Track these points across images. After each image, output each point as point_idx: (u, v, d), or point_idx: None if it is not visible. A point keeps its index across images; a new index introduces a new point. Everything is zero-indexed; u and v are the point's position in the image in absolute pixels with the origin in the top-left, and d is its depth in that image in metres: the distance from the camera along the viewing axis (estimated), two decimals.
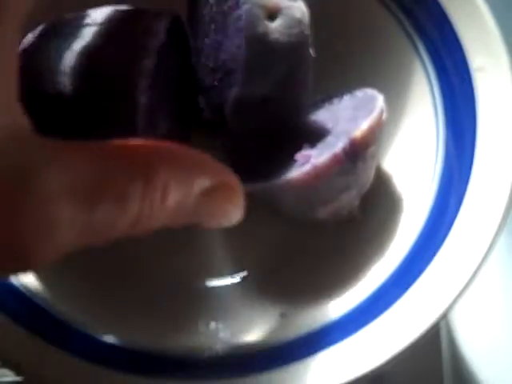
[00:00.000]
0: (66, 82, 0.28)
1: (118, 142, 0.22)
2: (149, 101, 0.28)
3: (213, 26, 0.33)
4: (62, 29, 0.30)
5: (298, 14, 0.31)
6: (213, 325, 0.32)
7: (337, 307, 0.31)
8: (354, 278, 0.32)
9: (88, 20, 0.30)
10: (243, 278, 0.34)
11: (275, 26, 0.31)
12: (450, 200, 0.32)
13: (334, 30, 0.36)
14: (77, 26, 0.30)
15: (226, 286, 0.33)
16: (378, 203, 0.33)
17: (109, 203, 0.20)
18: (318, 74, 0.33)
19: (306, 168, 0.30)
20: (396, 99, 0.35)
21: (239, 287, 0.34)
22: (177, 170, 0.22)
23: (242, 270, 0.34)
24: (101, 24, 0.30)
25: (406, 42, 0.35)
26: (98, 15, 0.30)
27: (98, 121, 0.28)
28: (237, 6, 0.31)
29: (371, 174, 0.32)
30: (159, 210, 0.21)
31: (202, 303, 0.33)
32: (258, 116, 0.32)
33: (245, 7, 0.30)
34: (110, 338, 0.31)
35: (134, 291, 0.33)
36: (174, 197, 0.21)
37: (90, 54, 0.29)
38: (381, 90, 0.35)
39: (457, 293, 0.29)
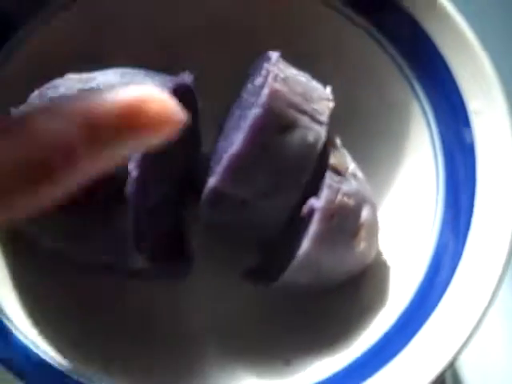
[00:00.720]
0: None
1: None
2: (141, 173, 0.28)
3: (235, 113, 0.33)
4: (65, 90, 0.30)
5: (311, 138, 0.30)
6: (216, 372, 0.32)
7: (342, 357, 0.31)
8: (357, 328, 0.32)
9: (92, 83, 0.30)
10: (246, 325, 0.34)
11: (281, 140, 0.30)
12: (450, 248, 0.32)
13: (329, 69, 0.36)
14: (80, 89, 0.30)
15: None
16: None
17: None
18: None
19: (317, 216, 0.30)
20: (395, 143, 0.35)
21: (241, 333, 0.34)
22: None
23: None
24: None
25: (404, 84, 0.35)
26: (103, 79, 0.30)
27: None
28: (255, 104, 0.30)
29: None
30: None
31: (200, 350, 0.33)
32: (231, 215, 0.31)
33: (255, 111, 0.29)
34: None
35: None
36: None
37: None
38: (380, 134, 0.36)
39: (462, 342, 0.29)
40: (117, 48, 0.35)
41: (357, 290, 0.33)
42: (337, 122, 0.32)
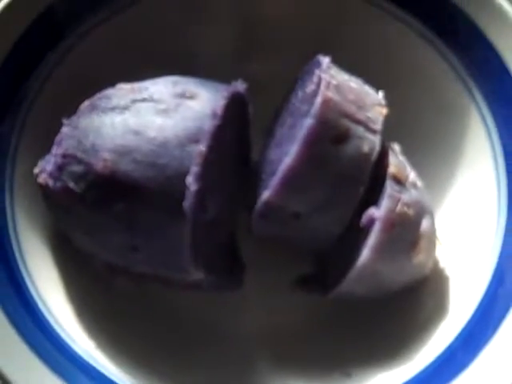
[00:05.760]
0: (115, 160, 0.28)
1: None
2: (200, 187, 0.28)
3: (287, 120, 0.32)
4: (118, 101, 0.29)
5: (366, 148, 0.29)
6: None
7: (405, 370, 0.30)
8: (418, 341, 0.31)
9: (144, 94, 0.29)
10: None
11: (335, 152, 0.29)
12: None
13: (385, 74, 0.35)
14: (132, 99, 0.29)
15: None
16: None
17: None
18: None
19: (377, 226, 0.29)
20: (452, 149, 0.34)
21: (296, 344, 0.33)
22: None
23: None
24: (158, 100, 0.29)
25: (461, 88, 0.34)
26: (155, 89, 0.30)
27: (146, 203, 0.28)
28: (308, 113, 0.29)
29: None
30: None
31: (254, 361, 0.33)
32: (284, 227, 0.31)
33: (308, 121, 0.29)
34: None
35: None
36: None
37: (144, 133, 0.28)
38: (437, 139, 0.35)
39: None
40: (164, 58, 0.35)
41: (417, 301, 0.32)
42: (392, 127, 0.32)
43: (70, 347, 0.29)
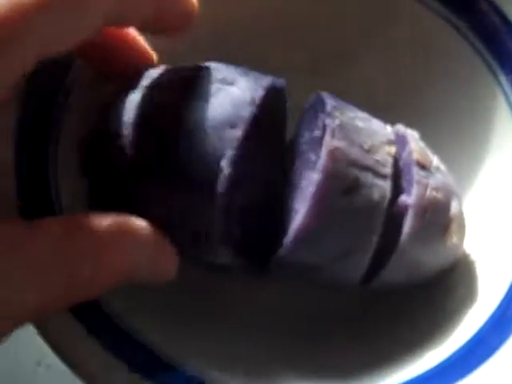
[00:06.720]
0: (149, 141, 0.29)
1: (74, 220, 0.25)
2: (234, 171, 0.28)
3: (296, 164, 0.32)
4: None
5: (376, 196, 0.29)
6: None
7: (430, 357, 0.30)
8: (446, 328, 0.31)
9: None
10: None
11: (346, 203, 0.29)
12: None
13: (416, 66, 0.37)
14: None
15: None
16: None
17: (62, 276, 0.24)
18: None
19: (411, 213, 0.29)
20: (479, 138, 0.35)
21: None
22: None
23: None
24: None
25: (490, 79, 0.35)
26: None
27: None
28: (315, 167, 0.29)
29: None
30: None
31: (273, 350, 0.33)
32: (301, 276, 0.31)
33: (316, 177, 0.28)
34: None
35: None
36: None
37: (179, 113, 0.29)
38: (464, 128, 0.36)
39: None
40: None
41: (446, 287, 0.33)
42: (421, 115, 0.33)
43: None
